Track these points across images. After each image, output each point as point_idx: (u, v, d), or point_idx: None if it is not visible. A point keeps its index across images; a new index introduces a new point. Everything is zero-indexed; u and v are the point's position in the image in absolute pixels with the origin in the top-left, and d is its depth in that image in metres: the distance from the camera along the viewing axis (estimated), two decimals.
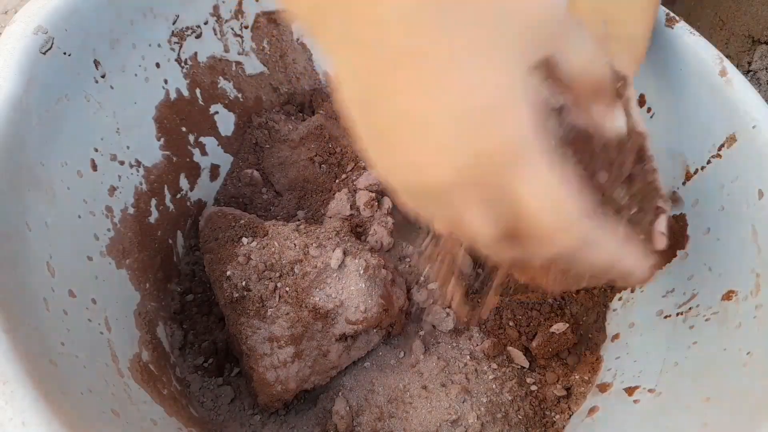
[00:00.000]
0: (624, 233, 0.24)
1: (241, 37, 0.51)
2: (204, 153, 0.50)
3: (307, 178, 0.51)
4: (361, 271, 0.42)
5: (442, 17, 0.17)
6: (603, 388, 0.43)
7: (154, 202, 0.45)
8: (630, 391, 0.40)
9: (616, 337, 0.45)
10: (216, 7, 0.48)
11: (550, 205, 0.19)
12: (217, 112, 0.50)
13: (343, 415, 0.41)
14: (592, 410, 0.42)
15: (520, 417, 0.42)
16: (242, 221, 0.44)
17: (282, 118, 0.53)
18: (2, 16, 0.73)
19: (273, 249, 0.42)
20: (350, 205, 0.48)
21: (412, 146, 0.19)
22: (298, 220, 0.48)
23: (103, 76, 0.40)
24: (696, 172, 0.40)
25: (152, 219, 0.45)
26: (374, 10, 0.17)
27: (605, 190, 0.24)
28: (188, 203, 0.49)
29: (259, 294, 0.40)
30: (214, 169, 0.51)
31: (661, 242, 0.27)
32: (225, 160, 0.52)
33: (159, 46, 0.45)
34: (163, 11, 0.44)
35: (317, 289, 0.41)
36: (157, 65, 0.45)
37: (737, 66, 0.54)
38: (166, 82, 0.46)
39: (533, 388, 0.44)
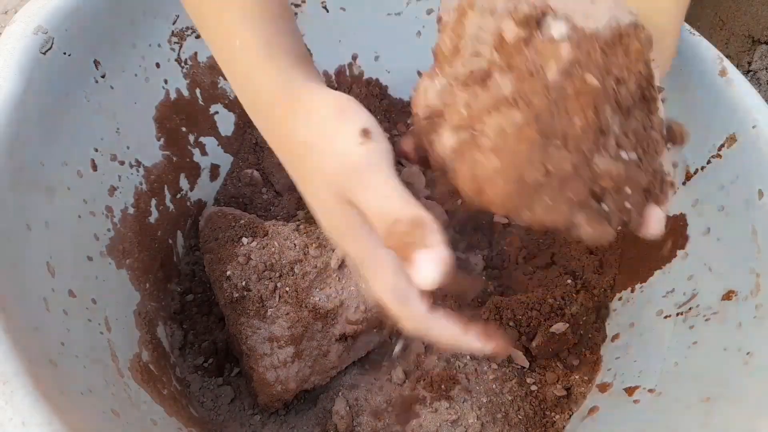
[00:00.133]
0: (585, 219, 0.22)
1: None
2: (204, 153, 0.50)
3: None
4: None
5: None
6: (603, 388, 0.43)
7: (154, 202, 0.45)
8: (630, 391, 0.40)
9: (616, 337, 0.45)
10: None
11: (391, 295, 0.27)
12: (217, 112, 0.50)
13: (343, 415, 0.41)
14: (592, 410, 0.42)
15: (520, 417, 0.42)
16: (242, 221, 0.44)
17: None
18: (2, 16, 0.73)
19: (273, 249, 0.42)
20: None
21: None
22: (298, 220, 0.48)
23: (103, 76, 0.40)
24: (696, 172, 0.40)
25: (152, 219, 0.45)
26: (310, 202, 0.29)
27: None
28: (188, 203, 0.49)
29: (259, 294, 0.40)
30: (214, 169, 0.51)
31: (656, 228, 0.23)
32: (225, 160, 0.52)
33: (159, 46, 0.45)
34: (163, 11, 0.44)
35: (317, 289, 0.41)
36: (157, 65, 0.45)
37: (737, 66, 0.53)
38: (166, 82, 0.46)
39: (533, 388, 0.44)
